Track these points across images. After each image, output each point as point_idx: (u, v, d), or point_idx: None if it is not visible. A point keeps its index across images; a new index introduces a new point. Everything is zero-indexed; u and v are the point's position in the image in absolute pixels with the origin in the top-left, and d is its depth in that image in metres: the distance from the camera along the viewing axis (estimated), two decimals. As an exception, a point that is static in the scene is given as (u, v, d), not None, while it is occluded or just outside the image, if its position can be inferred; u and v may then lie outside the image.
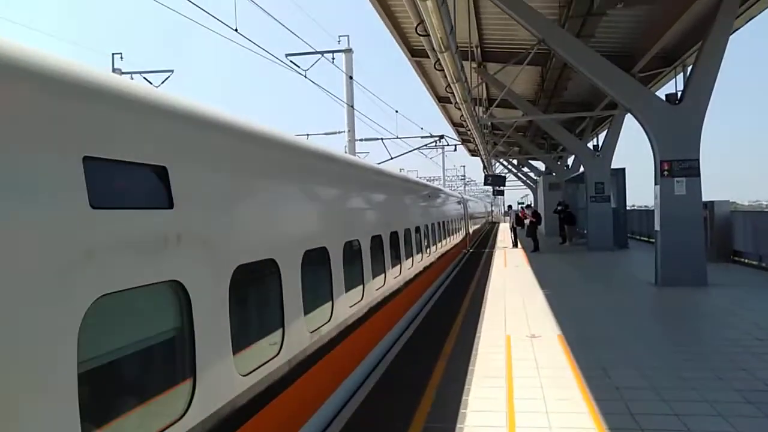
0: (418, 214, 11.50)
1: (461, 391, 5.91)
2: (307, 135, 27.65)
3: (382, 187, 8.58)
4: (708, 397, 5.51)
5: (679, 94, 12.88)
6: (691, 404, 5.34)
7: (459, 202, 23.04)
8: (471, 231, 29.66)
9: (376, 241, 7.37)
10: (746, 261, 15.92)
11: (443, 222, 15.96)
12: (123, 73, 19.83)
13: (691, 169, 12.45)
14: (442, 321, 9.71)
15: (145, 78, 20.89)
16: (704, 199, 13.03)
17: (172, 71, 21.19)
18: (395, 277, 8.63)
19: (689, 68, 14.22)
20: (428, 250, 12.52)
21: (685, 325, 8.80)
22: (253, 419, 3.60)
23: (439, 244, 14.51)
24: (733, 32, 13.00)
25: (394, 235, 8.58)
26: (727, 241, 16.72)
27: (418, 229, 11.07)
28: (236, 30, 10.14)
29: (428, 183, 17.83)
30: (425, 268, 11.91)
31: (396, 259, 8.72)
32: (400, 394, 5.96)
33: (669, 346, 7.53)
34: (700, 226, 12.74)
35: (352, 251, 6.20)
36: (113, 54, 21.73)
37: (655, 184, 12.86)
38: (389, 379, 6.55)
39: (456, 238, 19.79)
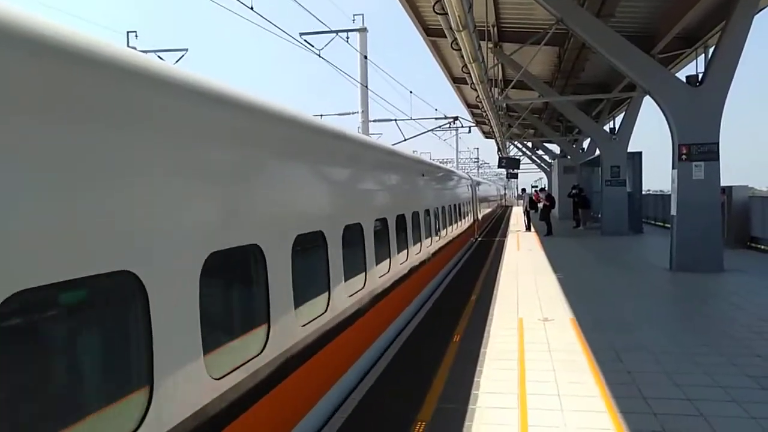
0: (407, 197, 9.22)
1: (473, 373, 5.94)
2: (321, 115, 27.56)
3: (347, 159, 6.13)
4: (721, 382, 5.49)
5: (700, 76, 12.61)
6: (704, 389, 5.33)
7: (466, 185, 20.23)
8: (480, 217, 26.25)
9: (349, 231, 5.75)
10: (763, 247, 15.72)
11: (444, 207, 13.47)
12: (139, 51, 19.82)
13: (710, 153, 12.25)
14: (455, 303, 9.73)
15: (159, 56, 20.89)
16: (722, 184, 12.84)
17: (186, 50, 21.16)
18: (381, 275, 7.06)
19: (711, 49, 13.92)
20: (421, 242, 10.07)
21: (699, 311, 8.73)
22: (309, 362, 4.51)
23: (437, 235, 12.07)
24: (758, 12, 12.67)
25: (368, 225, 6.51)
26: (744, 226, 16.51)
27: (403, 218, 8.63)
28: (252, 8, 10.06)
29: (427, 160, 13.72)
30: (416, 267, 9.59)
31: (374, 256, 6.77)
32: (413, 375, 6.00)
33: (683, 331, 7.49)
34: (718, 212, 12.57)
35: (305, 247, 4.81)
36: (128, 32, 21.72)
37: (673, 168, 12.68)
38: (402, 360, 6.59)
39: (461, 227, 17.15)
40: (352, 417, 4.93)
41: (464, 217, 18.20)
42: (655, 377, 5.68)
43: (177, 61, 20.88)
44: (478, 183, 27.21)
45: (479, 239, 23.48)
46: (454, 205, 15.61)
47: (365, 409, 5.11)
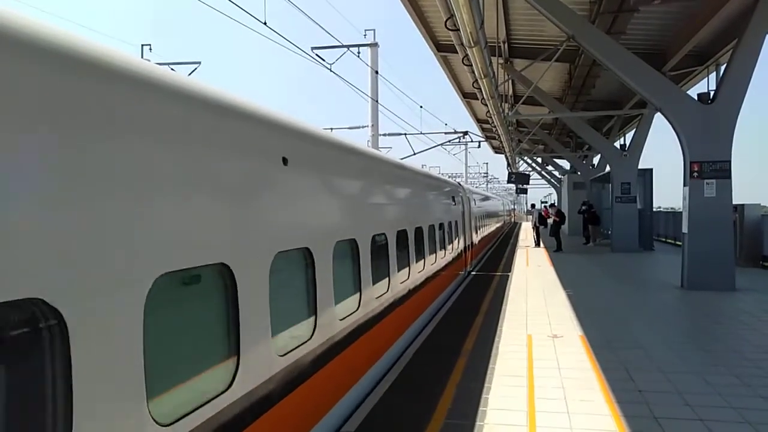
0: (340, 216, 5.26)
1: (481, 389, 5.90)
2: (332, 129, 27.72)
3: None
4: (734, 403, 5.41)
5: (712, 93, 12.59)
6: (716, 410, 5.25)
7: (452, 196, 13.54)
8: (476, 240, 18.92)
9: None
10: (776, 266, 15.53)
11: (412, 230, 8.44)
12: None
13: (722, 171, 12.17)
14: (463, 319, 9.68)
15: (172, 69, 21.14)
16: (734, 201, 12.74)
17: (199, 63, 21.41)
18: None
19: (722, 67, 13.90)
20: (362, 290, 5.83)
21: (711, 330, 8.63)
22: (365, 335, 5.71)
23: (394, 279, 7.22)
24: (770, 31, 12.63)
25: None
26: (756, 245, 16.33)
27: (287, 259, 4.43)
28: (265, 23, 10.19)
29: (378, 154, 7.80)
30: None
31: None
32: (421, 391, 5.97)
33: (694, 350, 7.40)
34: (730, 230, 12.46)
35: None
36: (142, 45, 22.04)
37: (684, 185, 12.62)
38: (409, 375, 6.55)
39: (443, 259, 11.52)
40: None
41: (448, 245, 12.18)
42: (667, 397, 5.60)
43: (190, 74, 21.14)
44: (472, 195, 18.83)
45: (472, 272, 16.74)
46: (426, 227, 9.56)
47: (373, 423, 5.08)
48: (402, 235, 7.72)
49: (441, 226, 11.37)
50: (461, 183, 17.62)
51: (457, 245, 13.86)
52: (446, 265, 11.91)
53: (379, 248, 6.47)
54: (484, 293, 12.55)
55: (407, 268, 8.10)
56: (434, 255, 10.40)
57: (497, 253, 23.21)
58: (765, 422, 4.93)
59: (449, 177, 28.70)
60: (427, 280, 9.65)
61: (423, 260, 9.28)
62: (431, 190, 10.82)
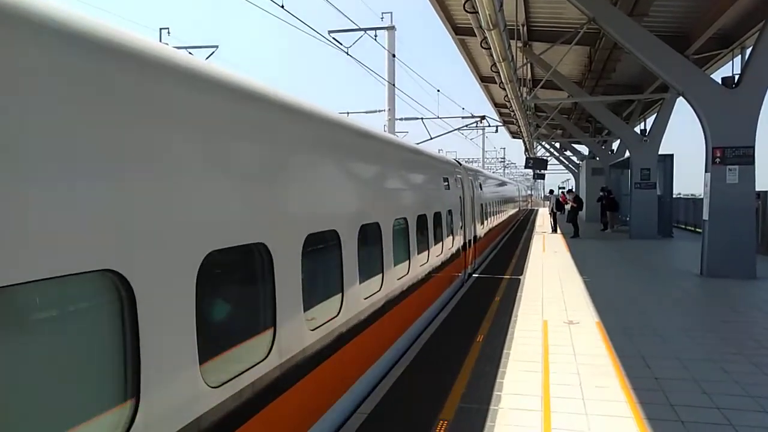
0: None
1: (496, 374, 5.92)
2: (348, 113, 27.68)
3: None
4: (751, 392, 5.36)
5: (736, 77, 12.30)
6: (733, 398, 5.21)
7: (444, 178, 10.18)
8: (481, 232, 15.28)
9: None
10: (799, 254, 15.26)
11: (358, 229, 5.24)
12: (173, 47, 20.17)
13: (745, 157, 11.94)
14: (479, 304, 9.69)
15: (190, 52, 21.23)
16: (757, 188, 12.51)
17: (216, 47, 21.45)
18: None
19: (748, 50, 13.56)
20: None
21: (730, 318, 8.53)
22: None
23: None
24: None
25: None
26: (779, 233, 16.05)
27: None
28: (282, 6, 10.15)
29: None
30: None
31: None
32: (435, 374, 6.00)
33: (712, 338, 7.33)
34: (752, 217, 12.26)
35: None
36: (161, 29, 22.12)
37: (706, 171, 12.41)
38: (424, 359, 6.59)
39: (422, 267, 8.05)
40: (374, 413, 4.95)
41: (438, 242, 9.16)
42: (683, 384, 5.58)
43: (208, 57, 21.20)
44: (477, 178, 15.27)
45: (474, 275, 12.92)
46: (390, 223, 6.36)
47: (387, 406, 5.13)
48: (347, 236, 4.84)
49: (422, 219, 7.70)
50: (460, 161, 13.84)
51: (452, 243, 10.22)
52: (428, 276, 8.18)
53: (294, 266, 3.83)
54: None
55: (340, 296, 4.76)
56: (406, 264, 6.98)
57: (509, 246, 19.58)
58: (783, 411, 4.89)
59: (460, 159, 22.16)
60: (386, 309, 6.06)
61: (380, 276, 5.90)
62: (407, 169, 7.37)
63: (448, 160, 11.87)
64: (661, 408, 4.98)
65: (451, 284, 10.51)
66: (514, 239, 22.92)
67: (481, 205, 15.53)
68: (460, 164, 13.07)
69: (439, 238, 9.11)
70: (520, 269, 13.78)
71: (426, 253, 8.15)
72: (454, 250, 10.53)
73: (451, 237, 10.25)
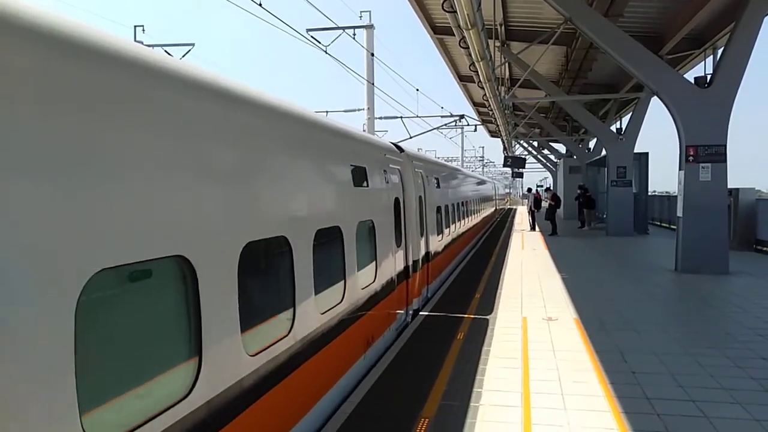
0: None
1: (476, 371, 5.96)
2: (326, 112, 27.57)
3: None
4: (725, 384, 5.49)
5: (709, 77, 12.57)
6: (708, 391, 5.33)
7: (382, 170, 7.12)
8: (439, 246, 11.35)
9: None
10: (769, 250, 15.65)
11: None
12: (146, 45, 19.87)
13: (718, 155, 12.21)
14: (458, 302, 9.74)
15: (166, 51, 20.94)
16: (729, 186, 12.79)
17: (193, 45, 21.18)
18: None
19: (720, 51, 13.85)
20: None
21: (704, 313, 8.72)
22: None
23: None
24: (768, 14, 12.60)
25: None
26: (750, 229, 16.44)
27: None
28: (260, 4, 10.07)
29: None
30: None
31: None
32: (416, 372, 6.02)
33: (687, 332, 7.48)
34: (725, 214, 12.53)
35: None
36: (135, 26, 21.77)
37: (680, 169, 12.65)
38: (405, 357, 6.61)
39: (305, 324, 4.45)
40: (355, 413, 4.95)
41: (335, 282, 5.31)
42: (659, 378, 5.68)
43: (183, 56, 20.94)
44: (432, 173, 11.35)
45: (421, 312, 9.05)
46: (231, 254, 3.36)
47: (369, 405, 5.13)
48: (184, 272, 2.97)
49: (320, 237, 4.68)
50: (402, 147, 9.11)
51: (373, 277, 6.44)
52: (326, 334, 4.85)
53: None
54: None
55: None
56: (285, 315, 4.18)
57: (479, 258, 15.88)
58: (756, 402, 5.01)
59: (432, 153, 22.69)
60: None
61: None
62: (269, 150, 4.05)
63: (373, 140, 7.43)
64: (638, 401, 5.07)
65: (369, 348, 6.29)
66: (490, 242, 23.02)
67: (441, 208, 11.59)
68: (401, 150, 8.78)
69: (358, 267, 5.69)
70: (499, 268, 13.86)
71: (328, 296, 4.89)
72: (377, 286, 6.46)
73: (371, 267, 6.34)
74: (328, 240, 4.94)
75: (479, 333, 7.52)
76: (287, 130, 4.30)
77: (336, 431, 4.61)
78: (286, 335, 3.94)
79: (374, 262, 6.48)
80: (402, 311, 8.06)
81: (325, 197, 5.00)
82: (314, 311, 4.51)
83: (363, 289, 5.93)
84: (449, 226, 12.86)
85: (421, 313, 8.87)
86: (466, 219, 16.93)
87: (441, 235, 11.52)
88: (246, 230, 3.40)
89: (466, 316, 8.54)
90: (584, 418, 4.72)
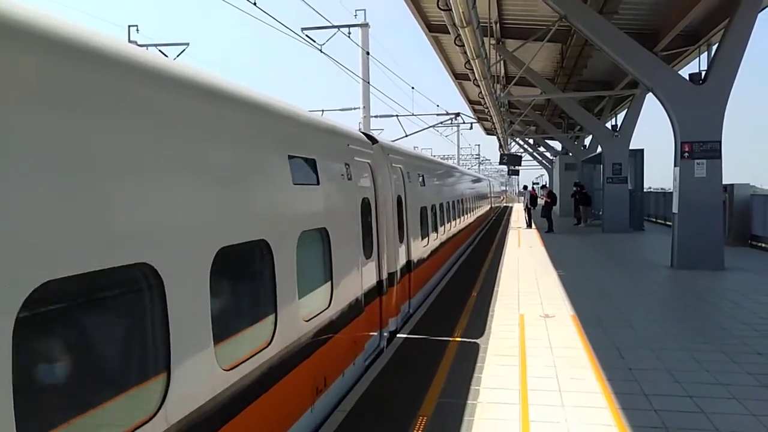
0: None
1: (474, 369, 5.97)
2: (322, 111, 27.51)
3: None
4: (722, 379, 5.51)
5: (703, 73, 12.61)
6: (704, 386, 5.35)
7: (310, 163, 4.79)
8: (423, 253, 9.98)
9: None
10: (764, 246, 15.72)
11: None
12: (139, 45, 19.81)
13: (712, 152, 12.25)
14: (455, 300, 9.74)
15: (160, 50, 20.87)
16: (723, 182, 12.84)
17: (187, 44, 21.11)
18: None
19: (714, 47, 13.89)
20: None
21: (700, 308, 8.75)
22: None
23: None
24: (762, 9, 12.64)
25: None
26: (745, 225, 16.51)
27: None
28: (255, 4, 10.05)
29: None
30: None
31: None
32: (414, 371, 6.02)
33: (683, 328, 7.51)
34: (720, 210, 12.58)
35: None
36: (129, 26, 21.70)
37: (675, 165, 12.69)
38: (403, 356, 6.61)
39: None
40: (354, 411, 4.95)
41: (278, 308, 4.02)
42: (656, 374, 5.70)
43: (178, 56, 20.87)
44: (415, 167, 10.02)
45: (399, 334, 7.59)
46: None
47: (367, 403, 5.13)
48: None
49: (227, 258, 3.26)
50: (374, 137, 7.78)
51: (328, 299, 5.09)
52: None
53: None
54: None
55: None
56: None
57: (476, 257, 15.49)
58: (752, 398, 5.04)
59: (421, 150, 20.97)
60: None
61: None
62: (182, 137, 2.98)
63: (327, 126, 5.78)
64: (635, 398, 5.09)
65: (319, 397, 4.75)
66: (486, 240, 23.02)
67: (426, 209, 10.30)
68: (374, 141, 7.44)
69: (266, 307, 3.90)
70: (496, 266, 13.87)
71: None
72: (332, 313, 5.06)
73: (322, 290, 4.99)
74: (244, 261, 3.64)
75: (480, 325, 7.53)
76: (170, 100, 2.90)
77: None
78: (154, 415, 2.53)
79: (329, 283, 5.02)
80: (374, 336, 6.69)
81: (239, 201, 3.41)
82: (210, 369, 2.99)
83: (308, 320, 4.38)
84: (437, 229, 11.53)
85: (399, 335, 7.39)
86: (458, 220, 15.61)
87: (427, 240, 10.26)
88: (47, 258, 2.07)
89: (452, 339, 7.03)
90: (582, 415, 4.74)
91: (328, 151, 5.33)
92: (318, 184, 4.80)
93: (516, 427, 4.54)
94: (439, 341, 7.06)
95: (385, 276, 7.06)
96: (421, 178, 10.18)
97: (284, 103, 4.58)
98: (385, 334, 7.16)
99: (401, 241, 8.15)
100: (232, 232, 3.30)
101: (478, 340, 7.02)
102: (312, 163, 4.74)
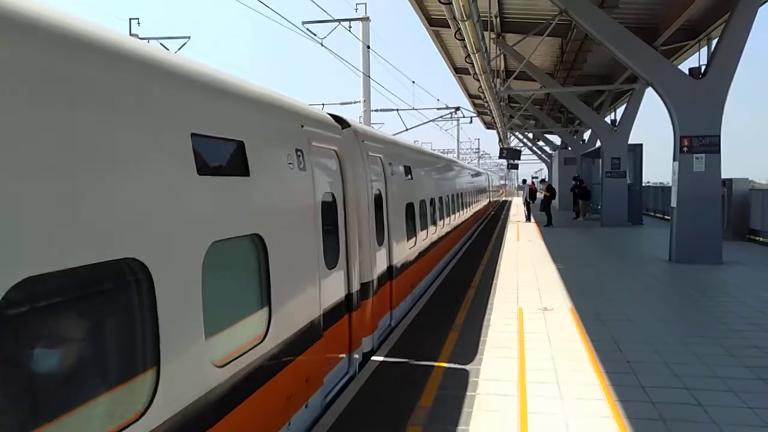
0: None
1: (473, 361, 6.00)
2: (323, 105, 27.46)
3: None
4: (719, 372, 5.55)
5: (703, 68, 12.60)
6: (702, 379, 5.39)
7: (238, 149, 3.56)
8: (410, 256, 8.81)
9: None
10: (762, 240, 15.76)
11: None
12: (140, 38, 19.75)
13: (711, 146, 12.27)
14: (454, 293, 9.78)
15: (161, 44, 20.81)
16: (722, 176, 12.86)
17: (188, 38, 21.07)
18: None
19: (714, 41, 13.88)
20: None
21: (698, 302, 8.79)
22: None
23: None
24: (763, 4, 12.62)
25: None
26: (743, 219, 16.54)
27: None
28: (254, -4, 10.01)
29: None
30: None
31: None
32: (412, 363, 6.06)
33: (681, 322, 7.55)
34: (718, 204, 12.61)
35: None
36: (130, 19, 21.64)
37: (674, 160, 12.71)
38: (401, 348, 6.65)
39: None
40: (354, 402, 4.99)
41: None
42: (654, 367, 5.74)
43: (179, 49, 20.82)
44: (398, 157, 8.68)
45: (374, 356, 6.43)
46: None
47: (367, 394, 5.17)
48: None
49: (65, 289, 2.22)
50: (352, 123, 6.52)
51: (292, 313, 4.19)
52: None
53: None
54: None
55: None
56: None
57: (475, 250, 15.32)
58: (749, 391, 5.08)
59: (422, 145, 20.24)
60: None
61: None
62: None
63: (271, 99, 4.38)
64: (633, 390, 5.13)
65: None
66: (485, 234, 23.02)
67: (414, 205, 9.25)
68: (344, 125, 6.20)
69: (143, 356, 2.62)
70: (494, 259, 13.89)
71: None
72: (271, 346, 3.79)
73: (254, 318, 3.73)
74: (101, 291, 2.46)
75: (478, 318, 7.57)
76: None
77: None
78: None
79: (266, 308, 3.73)
80: (341, 362, 5.49)
81: (78, 200, 2.22)
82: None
83: (224, 365, 3.14)
84: (428, 228, 10.46)
85: (374, 358, 6.20)
86: (453, 216, 14.48)
87: (414, 241, 9.09)
88: None
89: (437, 365, 5.79)
90: (580, 407, 4.78)
91: (266, 132, 4.01)
92: (247, 175, 3.53)
93: (514, 419, 4.58)
94: (422, 366, 5.85)
95: (356, 288, 5.84)
96: (406, 171, 9.00)
97: (192, 61, 3.39)
98: (357, 356, 5.90)
99: (381, 243, 7.00)
100: (57, 250, 2.06)
101: (467, 367, 5.78)
102: (237, 147, 3.49)
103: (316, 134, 4.99)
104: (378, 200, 6.97)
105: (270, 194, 3.91)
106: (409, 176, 9.18)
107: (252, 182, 3.60)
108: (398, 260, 7.82)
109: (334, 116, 6.10)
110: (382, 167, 7.35)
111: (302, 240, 4.48)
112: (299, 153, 4.47)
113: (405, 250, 8.37)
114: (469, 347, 6.50)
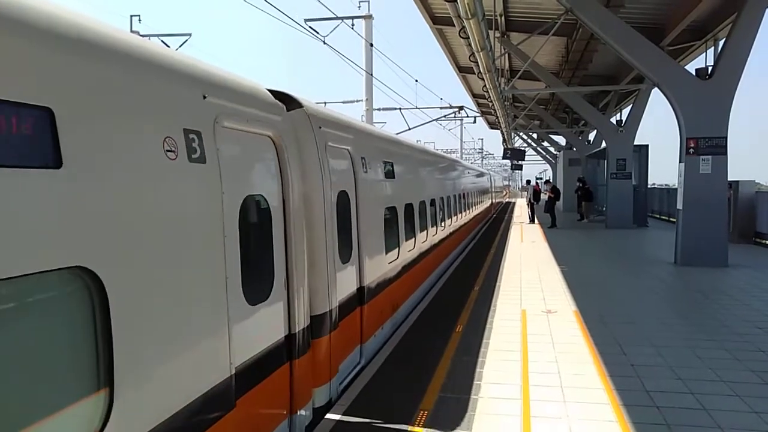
0: None
1: (475, 364, 5.94)
2: (325, 103, 27.41)
3: None
4: (724, 377, 5.48)
5: (710, 69, 12.49)
6: (707, 383, 5.31)
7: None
8: (390, 272, 7.30)
9: None
10: (769, 243, 15.66)
11: None
12: (141, 35, 19.73)
13: (718, 147, 12.17)
14: (457, 295, 9.72)
15: (163, 41, 20.78)
16: (729, 178, 12.76)
17: (190, 35, 21.02)
18: None
19: (721, 42, 13.77)
20: None
21: (703, 305, 8.70)
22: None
23: None
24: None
25: None
26: (750, 222, 16.42)
27: None
28: (258, -7, 9.96)
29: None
30: None
31: None
32: (415, 365, 6.00)
33: (686, 325, 7.47)
34: (724, 206, 12.51)
35: None
36: (131, 16, 21.62)
37: (680, 161, 12.61)
38: (403, 350, 6.59)
39: None
40: (354, 404, 4.93)
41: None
42: (659, 371, 5.67)
43: (180, 46, 20.80)
44: (374, 148, 6.94)
45: (333, 418, 4.76)
46: None
47: (368, 396, 5.11)
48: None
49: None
50: (306, 104, 4.90)
51: (163, 383, 2.70)
52: None
53: None
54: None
55: None
56: None
57: (478, 251, 15.02)
58: (754, 395, 5.00)
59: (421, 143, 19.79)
60: None
61: None
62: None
63: (129, 47, 2.66)
64: (637, 394, 5.06)
65: None
66: (488, 236, 22.94)
67: (398, 209, 7.84)
68: (293, 104, 4.75)
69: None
70: (498, 261, 13.81)
71: None
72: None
73: (95, 401, 2.32)
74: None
75: (481, 320, 7.49)
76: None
77: None
78: None
79: (103, 394, 2.34)
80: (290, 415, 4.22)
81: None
82: None
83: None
84: (415, 236, 8.98)
85: (329, 416, 4.72)
86: (449, 221, 13.07)
87: (397, 252, 7.66)
88: None
89: (425, 399, 4.91)
90: (584, 411, 4.71)
91: (110, 96, 2.46)
92: (58, 166, 2.13)
93: (517, 422, 4.52)
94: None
95: (302, 325, 4.34)
96: (385, 167, 7.34)
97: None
98: (305, 413, 4.41)
99: (347, 260, 5.56)
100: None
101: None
102: (35, 119, 2.06)
103: (231, 111, 3.50)
104: (344, 205, 5.54)
105: (113, 198, 2.41)
106: (391, 175, 7.57)
107: (67, 179, 2.16)
108: (373, 279, 6.35)
109: (276, 92, 4.58)
110: (350, 163, 5.84)
111: (188, 269, 2.92)
112: (192, 137, 3.02)
113: (383, 266, 6.85)
114: (472, 349, 6.43)
